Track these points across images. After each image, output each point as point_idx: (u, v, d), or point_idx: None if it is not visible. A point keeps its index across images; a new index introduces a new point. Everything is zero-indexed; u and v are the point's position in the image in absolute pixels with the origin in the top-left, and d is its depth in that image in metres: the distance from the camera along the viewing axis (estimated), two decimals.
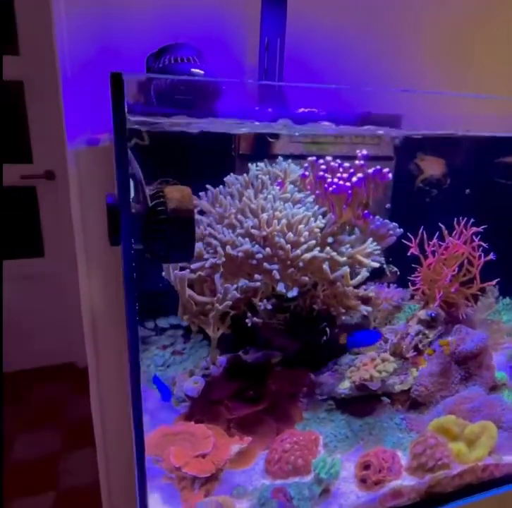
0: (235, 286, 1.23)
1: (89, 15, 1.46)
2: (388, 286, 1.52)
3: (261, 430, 1.34)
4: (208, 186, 1.40)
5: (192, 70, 1.61)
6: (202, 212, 1.41)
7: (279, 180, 1.41)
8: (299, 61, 1.76)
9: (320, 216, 1.29)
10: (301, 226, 1.24)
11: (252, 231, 1.24)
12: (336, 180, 1.26)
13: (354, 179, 1.26)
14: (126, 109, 0.68)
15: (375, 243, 1.45)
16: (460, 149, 1.86)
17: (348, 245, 1.29)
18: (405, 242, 1.50)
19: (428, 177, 1.72)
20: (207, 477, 1.14)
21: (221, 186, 1.43)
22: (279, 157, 1.48)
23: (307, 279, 1.25)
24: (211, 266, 1.24)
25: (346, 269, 1.27)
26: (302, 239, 1.24)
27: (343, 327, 1.57)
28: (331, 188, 1.25)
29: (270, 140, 1.49)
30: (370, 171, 1.35)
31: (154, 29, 1.63)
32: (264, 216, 1.25)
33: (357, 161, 1.33)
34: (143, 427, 0.88)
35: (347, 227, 1.40)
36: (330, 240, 1.28)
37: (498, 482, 1.28)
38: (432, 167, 1.73)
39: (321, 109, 1.67)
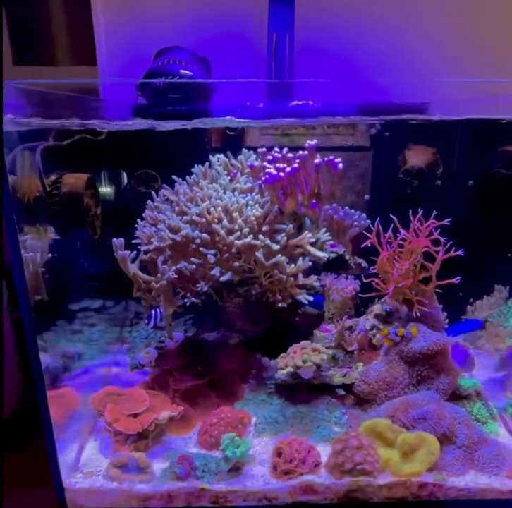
0: (173, 267, 1.34)
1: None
2: (347, 278, 1.50)
3: (203, 403, 1.45)
4: (174, 177, 1.53)
5: (181, 70, 1.76)
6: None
7: (234, 171, 1.48)
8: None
9: (257, 205, 1.33)
10: (235, 214, 1.30)
11: (194, 217, 1.34)
12: (272, 170, 1.29)
13: (288, 169, 1.28)
14: None
15: (328, 233, 1.45)
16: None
17: (283, 234, 1.32)
18: (365, 233, 1.46)
19: (409, 168, 1.62)
20: (137, 435, 1.29)
21: (188, 176, 1.55)
22: (243, 149, 1.55)
23: (238, 264, 1.31)
24: (156, 249, 1.37)
25: (280, 258, 1.31)
26: (236, 226, 1.30)
27: (303, 315, 1.59)
28: (263, 178, 1.29)
29: (229, 133, 1.56)
30: (317, 161, 1.35)
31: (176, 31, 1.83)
32: (205, 204, 1.34)
33: (301, 152, 1.34)
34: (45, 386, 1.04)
35: (296, 216, 1.42)
36: (265, 228, 1.32)
37: (442, 506, 1.17)
38: (417, 157, 1.63)
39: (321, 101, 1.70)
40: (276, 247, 1.31)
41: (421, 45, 1.83)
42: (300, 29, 1.89)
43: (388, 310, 1.42)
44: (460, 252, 1.37)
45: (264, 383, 1.47)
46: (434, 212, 1.38)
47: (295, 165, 1.29)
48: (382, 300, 1.40)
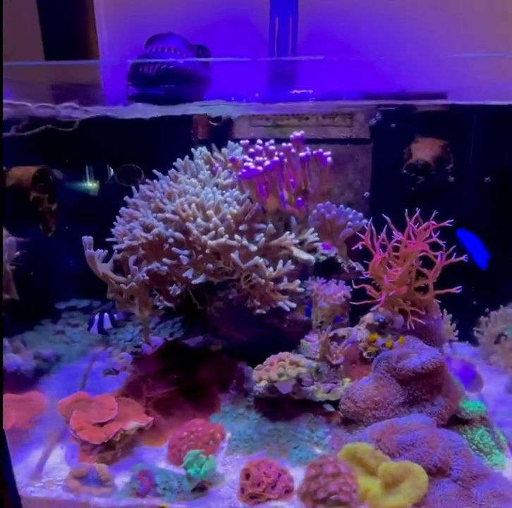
0: (144, 268, 1.25)
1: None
2: (338, 283, 1.36)
3: (178, 414, 1.35)
4: (155, 171, 1.44)
5: (171, 59, 1.66)
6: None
7: (217, 165, 1.37)
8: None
9: (235, 202, 1.22)
10: (210, 212, 1.20)
11: (168, 215, 1.24)
12: (251, 164, 1.17)
13: (267, 163, 1.15)
14: None
15: (316, 234, 1.33)
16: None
17: (261, 235, 1.20)
18: (359, 235, 1.32)
19: (413, 162, 1.46)
20: (103, 445, 1.20)
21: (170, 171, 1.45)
22: (229, 141, 1.44)
23: (212, 266, 1.20)
24: (128, 247, 1.28)
25: (258, 260, 1.19)
26: (211, 225, 1.19)
27: (292, 323, 1.46)
28: (240, 172, 1.17)
29: (213, 124, 1.45)
30: (302, 154, 1.23)
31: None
32: (179, 200, 1.24)
33: (284, 144, 1.22)
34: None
35: (282, 215, 1.30)
36: (242, 227, 1.21)
37: None
38: (424, 151, 1.47)
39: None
40: (253, 248, 1.19)
41: (433, 26, 1.66)
42: (306, 13, 1.77)
43: (380, 320, 1.27)
44: (463, 258, 1.21)
45: (245, 394, 1.36)
46: (435, 212, 1.23)
47: (276, 158, 1.17)
48: (374, 308, 1.26)
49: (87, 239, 1.26)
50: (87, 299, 1.85)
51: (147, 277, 1.25)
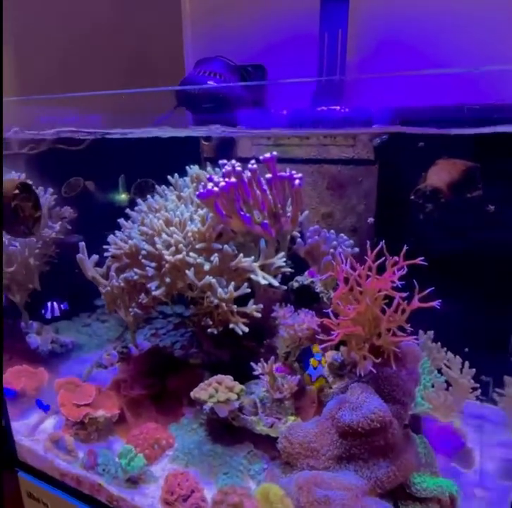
0: (122, 276, 1.36)
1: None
2: (308, 313, 1.25)
3: (145, 415, 1.43)
4: (156, 187, 1.55)
5: (208, 82, 1.76)
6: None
7: (202, 183, 1.41)
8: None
9: (196, 220, 1.24)
10: (172, 228, 1.25)
11: (144, 228, 1.33)
12: (210, 185, 1.18)
13: (222, 184, 1.15)
14: None
15: (284, 259, 1.27)
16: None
17: (215, 254, 1.20)
18: (333, 263, 1.21)
19: (421, 187, 1.28)
20: (80, 423, 1.36)
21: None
22: (220, 161, 1.46)
23: (168, 280, 1.24)
24: (113, 255, 1.41)
25: (210, 279, 1.19)
26: (172, 241, 1.24)
27: (269, 348, 1.41)
28: (197, 192, 1.19)
29: (204, 142, 1.49)
30: (268, 176, 1.19)
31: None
32: (151, 216, 1.32)
33: (251, 165, 1.20)
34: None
35: (251, 236, 1.28)
36: (200, 245, 1.22)
37: None
38: (439, 174, 1.27)
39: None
40: (207, 267, 1.20)
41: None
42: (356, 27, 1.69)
43: (338, 360, 1.15)
44: (436, 303, 1.02)
45: (204, 411, 1.36)
46: (405, 247, 1.06)
47: (233, 180, 1.16)
48: (322, 346, 1.13)
49: (81, 244, 1.42)
50: None
51: (123, 284, 1.36)
